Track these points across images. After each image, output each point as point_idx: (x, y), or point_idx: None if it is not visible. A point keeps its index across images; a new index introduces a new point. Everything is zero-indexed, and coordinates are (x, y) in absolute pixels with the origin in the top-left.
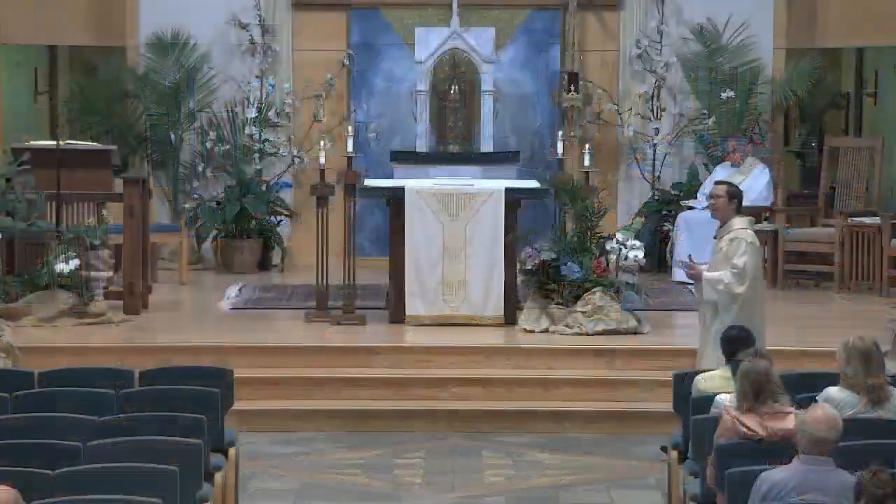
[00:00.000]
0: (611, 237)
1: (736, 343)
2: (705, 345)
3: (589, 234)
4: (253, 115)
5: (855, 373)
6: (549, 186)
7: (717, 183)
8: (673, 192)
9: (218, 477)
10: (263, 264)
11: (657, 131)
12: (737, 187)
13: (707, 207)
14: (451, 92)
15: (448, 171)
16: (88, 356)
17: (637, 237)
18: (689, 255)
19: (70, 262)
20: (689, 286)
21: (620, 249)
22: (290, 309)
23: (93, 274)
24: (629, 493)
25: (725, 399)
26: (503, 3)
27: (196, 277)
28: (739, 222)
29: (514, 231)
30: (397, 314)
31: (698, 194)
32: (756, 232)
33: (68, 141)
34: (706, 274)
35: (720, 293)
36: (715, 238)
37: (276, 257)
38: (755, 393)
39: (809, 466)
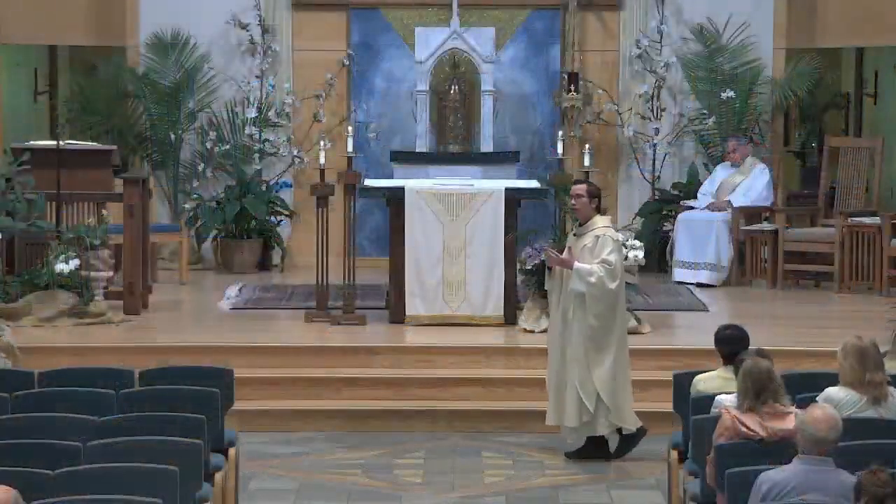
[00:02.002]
0: None
1: (735, 343)
2: (568, 342)
3: None
4: (253, 115)
5: (851, 370)
6: (549, 186)
7: (576, 182)
8: (673, 192)
9: (218, 477)
10: (263, 264)
11: (657, 131)
12: (596, 186)
13: (573, 207)
14: (451, 92)
15: (448, 171)
16: (88, 356)
17: (637, 237)
18: (546, 246)
19: (70, 262)
20: (689, 285)
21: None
22: (290, 309)
23: (93, 274)
24: (629, 493)
25: (726, 399)
26: (503, 3)
27: (196, 277)
28: (602, 220)
29: (514, 231)
30: (397, 314)
31: (698, 194)
32: (756, 232)
33: (68, 141)
34: (578, 264)
35: (591, 285)
36: (574, 235)
37: (276, 257)
38: (756, 392)
39: (809, 466)
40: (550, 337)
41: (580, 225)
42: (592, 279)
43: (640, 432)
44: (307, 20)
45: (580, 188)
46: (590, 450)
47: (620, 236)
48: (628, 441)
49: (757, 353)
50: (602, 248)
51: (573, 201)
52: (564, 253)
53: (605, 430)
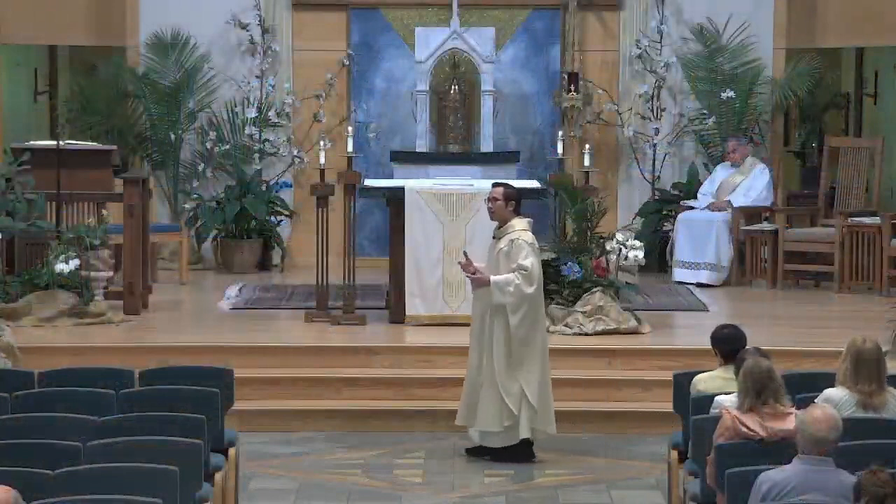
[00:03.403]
0: (611, 237)
1: (734, 342)
2: (486, 348)
3: (589, 234)
4: (253, 115)
5: (845, 373)
6: (548, 186)
7: (494, 185)
8: (673, 192)
9: (218, 477)
10: (263, 264)
11: (657, 131)
12: (514, 188)
13: (489, 210)
14: (451, 92)
15: (448, 171)
16: (88, 356)
17: (637, 237)
18: (465, 252)
19: (70, 262)
20: (689, 285)
21: (620, 249)
22: (290, 309)
23: (93, 274)
24: (629, 493)
25: (726, 400)
26: (503, 3)
27: (196, 277)
28: (519, 223)
29: None
30: (397, 314)
31: (698, 194)
32: (756, 232)
33: (68, 141)
34: (494, 277)
35: (510, 295)
36: (493, 238)
37: (276, 257)
38: (757, 391)
39: (809, 466)
40: (470, 341)
41: (498, 228)
42: (511, 288)
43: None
44: (307, 20)
45: (496, 191)
46: (485, 450)
47: (533, 238)
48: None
49: (756, 351)
50: (518, 252)
51: (489, 204)
52: (486, 256)
53: (527, 433)
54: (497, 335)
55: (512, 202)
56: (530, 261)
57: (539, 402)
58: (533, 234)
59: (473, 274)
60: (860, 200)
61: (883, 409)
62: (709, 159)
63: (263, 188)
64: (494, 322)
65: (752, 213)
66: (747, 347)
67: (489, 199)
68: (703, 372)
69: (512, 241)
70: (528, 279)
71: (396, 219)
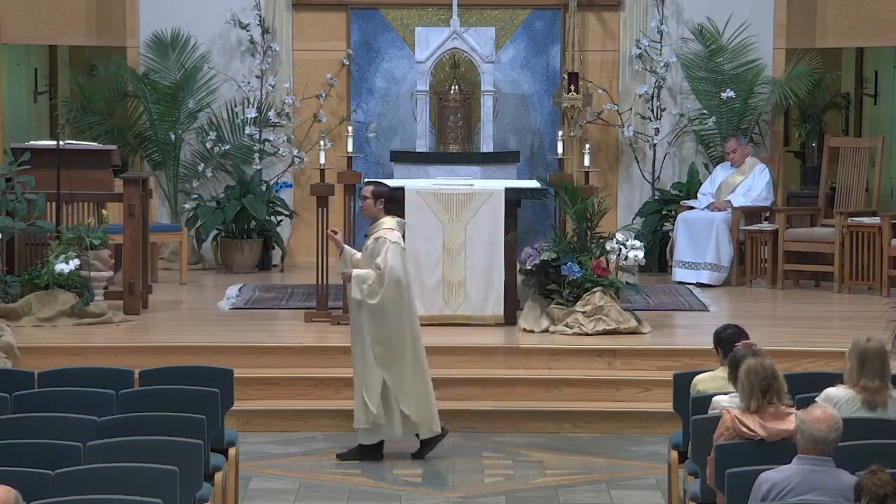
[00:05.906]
0: (611, 237)
1: (736, 341)
2: (358, 349)
3: (589, 234)
4: (253, 115)
5: (850, 372)
6: (548, 186)
7: (366, 183)
8: (673, 192)
9: (218, 477)
10: (263, 264)
11: (657, 131)
12: (384, 186)
13: (360, 208)
14: (451, 92)
15: (448, 171)
16: (88, 356)
17: (637, 237)
18: (335, 230)
19: (70, 262)
20: (689, 285)
21: (620, 249)
22: (290, 309)
23: (93, 274)
24: (629, 493)
25: (724, 399)
26: (503, 3)
27: (196, 277)
28: (387, 222)
29: (513, 231)
30: None
31: (698, 194)
32: (756, 232)
33: (68, 141)
34: (355, 271)
35: (363, 291)
36: (366, 236)
37: (276, 257)
38: (763, 391)
39: (809, 466)
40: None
41: (370, 226)
42: (365, 286)
43: (443, 432)
44: (307, 20)
45: (366, 189)
46: (363, 452)
47: (399, 237)
48: (427, 444)
49: (753, 351)
50: (379, 250)
51: (360, 202)
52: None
53: (400, 432)
54: (359, 332)
55: (381, 200)
56: (383, 258)
57: (408, 404)
58: (401, 234)
59: (338, 245)
60: (860, 200)
61: (886, 406)
62: (709, 159)
63: (263, 188)
64: (360, 318)
65: (752, 213)
66: (737, 345)
67: (361, 197)
68: (703, 372)
69: (377, 238)
70: (380, 278)
71: None
